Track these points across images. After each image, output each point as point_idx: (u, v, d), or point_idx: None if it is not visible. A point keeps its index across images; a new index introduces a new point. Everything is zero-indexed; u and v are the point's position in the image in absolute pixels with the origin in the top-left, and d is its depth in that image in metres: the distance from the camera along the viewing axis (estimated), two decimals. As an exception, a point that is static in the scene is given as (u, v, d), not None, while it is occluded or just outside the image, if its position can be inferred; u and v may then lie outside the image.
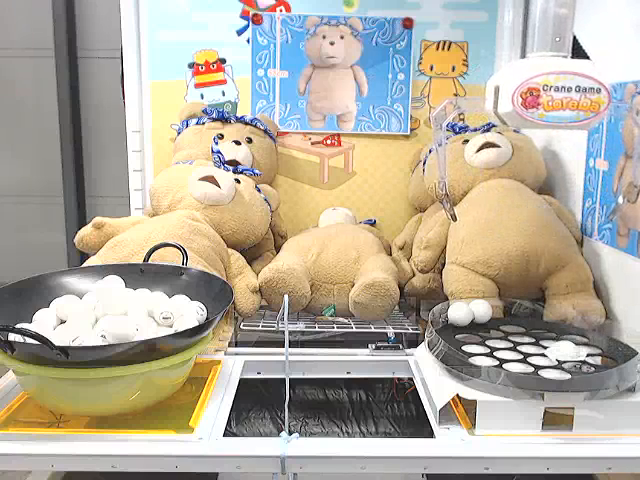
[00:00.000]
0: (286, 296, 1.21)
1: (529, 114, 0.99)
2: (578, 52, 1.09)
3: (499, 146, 1.41)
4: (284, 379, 1.03)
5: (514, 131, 1.54)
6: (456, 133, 1.53)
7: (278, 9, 1.68)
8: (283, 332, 1.04)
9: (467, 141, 1.45)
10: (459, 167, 1.43)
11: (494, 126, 1.49)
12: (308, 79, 1.70)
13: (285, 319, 1.14)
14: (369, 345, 1.22)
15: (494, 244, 1.26)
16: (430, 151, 1.54)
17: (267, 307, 1.34)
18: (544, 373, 0.94)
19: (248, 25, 1.68)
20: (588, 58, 1.08)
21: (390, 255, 1.54)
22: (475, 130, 1.50)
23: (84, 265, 1.21)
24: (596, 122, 1.01)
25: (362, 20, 1.67)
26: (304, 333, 1.26)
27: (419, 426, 1.32)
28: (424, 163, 1.54)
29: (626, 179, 1.17)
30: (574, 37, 1.07)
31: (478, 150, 1.41)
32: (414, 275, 1.40)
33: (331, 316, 1.34)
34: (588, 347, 1.06)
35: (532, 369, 0.96)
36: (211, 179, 1.38)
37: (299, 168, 1.75)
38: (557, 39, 1.01)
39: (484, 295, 1.23)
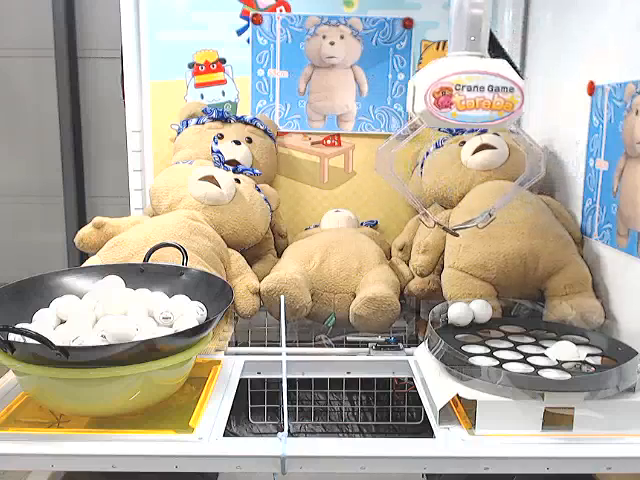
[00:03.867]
0: (282, 297, 1.21)
1: (442, 114, 0.99)
2: (500, 52, 1.09)
3: (495, 147, 1.41)
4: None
5: (511, 131, 1.54)
6: (453, 134, 1.53)
7: (278, 9, 1.68)
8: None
9: (464, 142, 1.45)
10: (456, 169, 1.43)
11: (492, 126, 1.48)
12: (308, 79, 1.70)
13: (282, 320, 1.14)
14: (369, 345, 1.23)
15: (491, 247, 1.26)
16: (427, 153, 1.54)
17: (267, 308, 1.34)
18: (544, 373, 0.94)
19: (248, 25, 1.68)
20: (508, 57, 1.08)
21: (390, 257, 1.54)
22: (472, 131, 1.50)
23: (84, 265, 1.21)
24: (511, 122, 1.01)
25: (362, 20, 1.67)
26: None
27: (419, 426, 1.32)
28: (422, 166, 1.54)
29: (627, 180, 1.17)
30: (495, 37, 1.07)
31: (474, 152, 1.41)
32: (413, 277, 1.40)
33: (332, 326, 1.34)
34: (588, 347, 1.06)
35: (532, 369, 0.96)
36: (211, 179, 1.38)
37: (299, 168, 1.75)
38: (472, 38, 1.01)
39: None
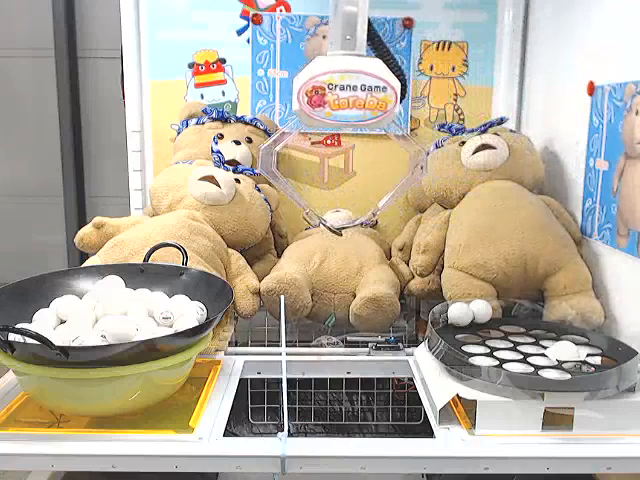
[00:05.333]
0: (282, 297, 1.21)
1: (316, 113, 0.98)
2: (381, 51, 1.08)
3: (495, 147, 1.40)
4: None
5: (511, 131, 1.54)
6: (453, 134, 1.53)
7: (278, 9, 1.68)
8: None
9: (464, 143, 1.45)
10: (456, 169, 1.42)
11: (491, 126, 1.49)
12: (308, 79, 1.70)
13: (282, 320, 1.14)
14: (369, 345, 1.23)
15: (491, 247, 1.26)
16: (427, 153, 1.54)
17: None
18: (544, 373, 0.94)
19: (248, 25, 1.68)
20: (391, 57, 1.07)
21: (390, 257, 1.54)
22: (472, 131, 1.50)
23: (84, 265, 1.21)
24: (386, 122, 1.01)
25: (362, 20, 1.67)
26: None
27: (419, 426, 1.32)
28: (422, 165, 1.54)
29: (627, 180, 1.17)
30: (378, 36, 1.06)
31: (475, 152, 1.41)
32: (413, 277, 1.40)
33: (332, 326, 1.34)
34: (588, 347, 1.06)
35: (532, 369, 0.96)
36: (211, 179, 1.38)
37: (299, 168, 1.75)
38: (347, 37, 1.00)
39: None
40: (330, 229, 1.19)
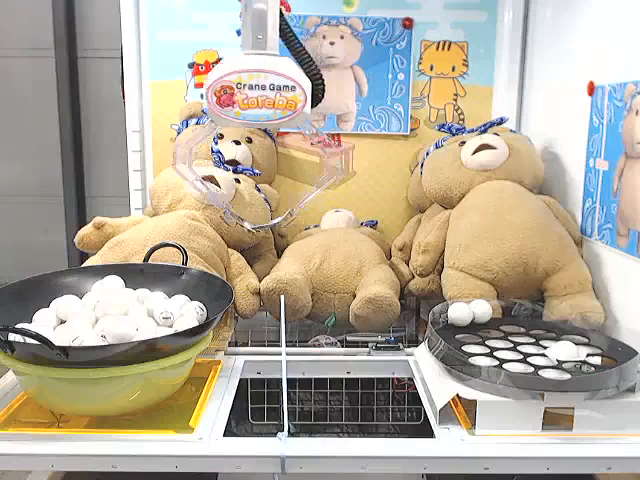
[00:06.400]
0: (282, 297, 1.22)
1: (225, 113, 0.99)
2: (296, 51, 1.07)
3: (495, 147, 1.40)
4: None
5: (511, 131, 1.54)
6: (453, 134, 1.53)
7: (278, 9, 1.68)
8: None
9: (464, 143, 1.45)
10: (456, 169, 1.42)
11: (491, 126, 1.49)
12: (308, 79, 1.70)
13: (282, 320, 1.14)
14: (369, 345, 1.23)
15: (492, 248, 1.26)
16: (427, 153, 1.54)
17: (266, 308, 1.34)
18: (544, 373, 0.94)
19: (248, 25, 1.68)
20: (307, 56, 1.06)
21: (390, 257, 1.54)
22: (472, 131, 1.50)
23: (84, 265, 1.21)
24: (297, 121, 1.01)
25: (362, 20, 1.67)
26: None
27: (419, 426, 1.32)
28: (422, 166, 1.54)
29: (627, 180, 1.17)
30: (293, 35, 1.05)
31: (475, 152, 1.41)
32: (413, 277, 1.40)
33: (332, 326, 1.34)
34: (588, 347, 1.06)
35: (532, 369, 0.96)
36: (211, 179, 1.38)
37: (299, 168, 1.75)
38: (258, 37, 1.00)
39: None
40: (250, 230, 1.20)
